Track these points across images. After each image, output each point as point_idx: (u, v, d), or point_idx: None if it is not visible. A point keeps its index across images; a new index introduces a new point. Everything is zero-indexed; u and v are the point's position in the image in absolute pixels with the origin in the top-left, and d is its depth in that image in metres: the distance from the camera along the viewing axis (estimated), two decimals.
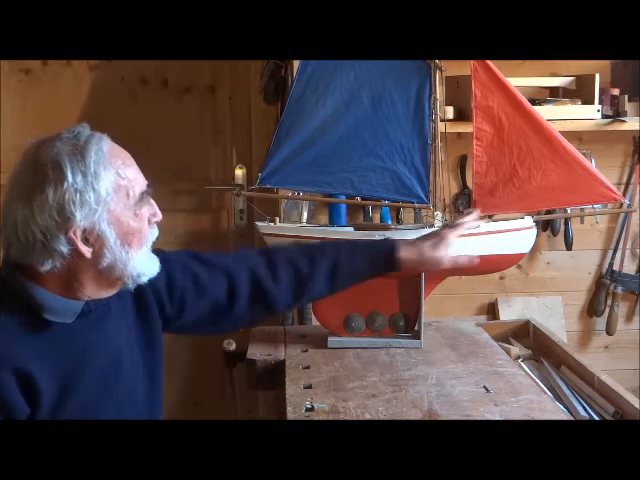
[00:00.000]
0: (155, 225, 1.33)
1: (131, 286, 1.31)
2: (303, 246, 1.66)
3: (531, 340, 2.13)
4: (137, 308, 1.42)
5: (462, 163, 2.44)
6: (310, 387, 1.61)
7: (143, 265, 1.30)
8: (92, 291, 1.29)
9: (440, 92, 1.83)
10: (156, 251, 1.40)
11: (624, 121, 2.24)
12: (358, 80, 1.78)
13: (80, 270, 1.26)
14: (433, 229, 1.81)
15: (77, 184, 1.20)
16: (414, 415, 1.47)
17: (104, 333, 1.32)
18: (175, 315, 1.47)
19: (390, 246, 1.62)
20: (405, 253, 1.60)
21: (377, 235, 1.80)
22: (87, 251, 1.23)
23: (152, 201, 1.32)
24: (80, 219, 1.20)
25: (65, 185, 1.19)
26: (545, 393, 1.69)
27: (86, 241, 1.23)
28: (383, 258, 1.61)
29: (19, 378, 1.18)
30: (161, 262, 1.41)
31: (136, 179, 1.28)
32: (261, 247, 1.94)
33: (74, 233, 1.21)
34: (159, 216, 1.33)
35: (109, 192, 1.23)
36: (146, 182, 1.30)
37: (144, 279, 1.32)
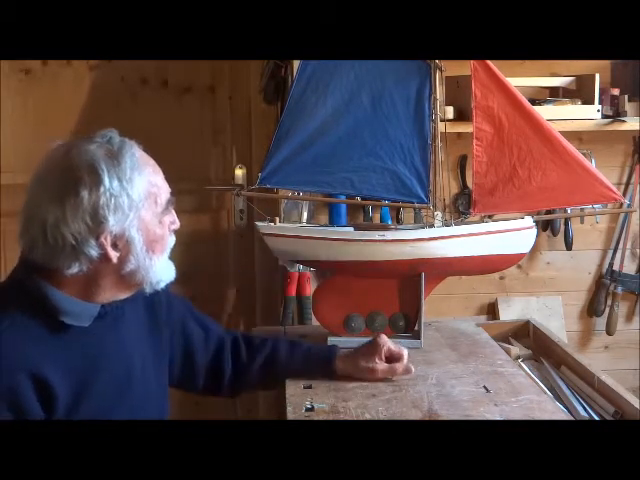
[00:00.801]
0: (173, 233, 1.34)
1: (148, 291, 1.32)
2: (265, 345, 1.65)
3: (531, 340, 2.13)
4: (148, 315, 1.42)
5: (462, 163, 2.44)
6: (310, 387, 1.61)
7: (163, 272, 1.32)
8: (109, 295, 1.29)
9: (440, 92, 1.83)
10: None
11: (624, 121, 2.24)
12: (358, 80, 1.78)
13: (102, 274, 1.26)
14: (434, 230, 1.81)
15: (113, 189, 1.20)
16: (414, 415, 1.47)
17: (118, 337, 1.32)
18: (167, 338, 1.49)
19: (328, 354, 1.64)
20: (341, 365, 1.62)
21: (377, 235, 1.80)
22: (114, 256, 1.24)
23: (172, 209, 1.33)
24: (112, 224, 1.21)
25: (101, 189, 1.19)
26: (545, 393, 1.69)
27: (115, 246, 1.23)
28: (320, 365, 1.64)
29: (35, 382, 1.18)
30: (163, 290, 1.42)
31: (163, 187, 1.30)
32: (262, 246, 1.94)
33: (105, 238, 1.21)
34: (177, 224, 1.35)
35: (141, 198, 1.23)
36: (169, 190, 1.31)
37: (161, 285, 1.33)
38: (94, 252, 1.21)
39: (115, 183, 1.20)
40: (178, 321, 1.52)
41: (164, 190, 1.30)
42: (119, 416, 1.29)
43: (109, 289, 1.28)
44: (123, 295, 1.32)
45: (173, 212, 1.34)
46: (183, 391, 1.63)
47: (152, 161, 1.30)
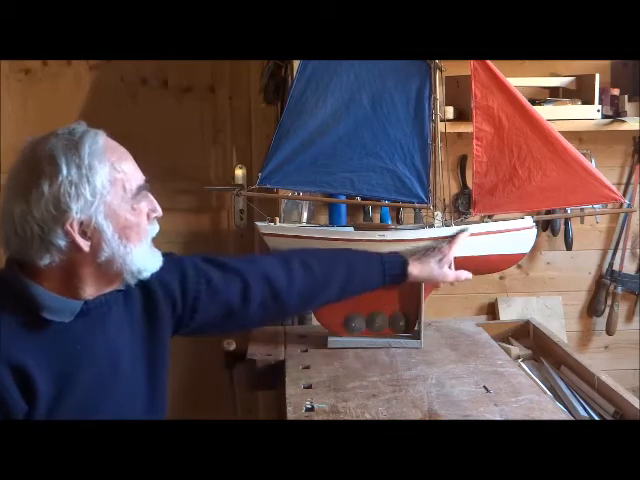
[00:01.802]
0: (155, 221, 1.33)
1: (131, 282, 1.31)
2: (319, 252, 1.70)
3: (531, 340, 2.13)
4: (145, 309, 1.41)
5: (462, 163, 2.43)
6: (310, 387, 1.61)
7: (143, 260, 1.29)
8: (92, 288, 1.28)
9: (440, 92, 1.83)
10: (169, 254, 1.40)
11: (624, 121, 2.24)
12: (358, 80, 1.78)
13: (79, 265, 1.25)
14: (434, 230, 1.82)
15: (72, 176, 1.20)
16: (414, 415, 1.47)
17: (103, 333, 1.31)
18: (188, 317, 1.47)
19: (402, 262, 1.72)
20: (415, 271, 1.72)
21: (377, 235, 1.80)
22: (85, 245, 1.23)
23: (151, 197, 1.32)
24: (76, 211, 1.20)
25: (60, 178, 1.19)
26: (545, 393, 1.69)
27: (84, 234, 1.23)
28: (394, 274, 1.71)
29: (15, 374, 1.18)
30: (175, 264, 1.43)
31: (133, 173, 1.28)
32: (262, 246, 1.95)
33: (71, 226, 1.21)
34: (159, 212, 1.33)
35: (105, 185, 1.22)
36: (143, 177, 1.30)
37: (145, 274, 1.31)
38: (62, 242, 1.21)
39: (73, 171, 1.20)
40: (201, 288, 1.48)
41: (134, 176, 1.28)
42: (105, 412, 1.29)
43: (91, 281, 1.28)
44: (107, 288, 1.31)
45: (153, 200, 1.32)
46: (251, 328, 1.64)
47: (121, 148, 1.29)
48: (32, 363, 1.20)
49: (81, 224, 1.22)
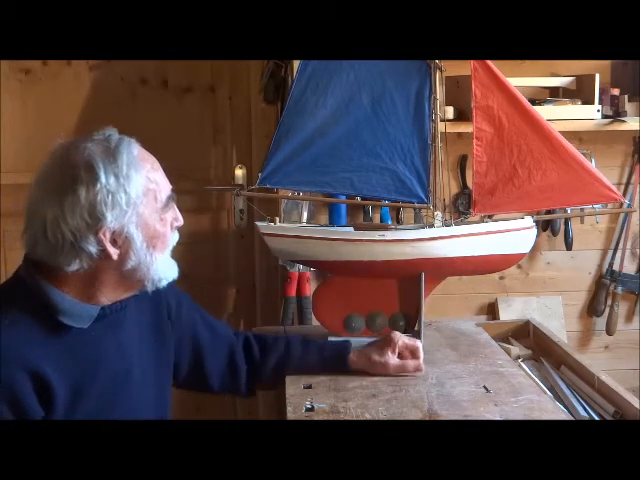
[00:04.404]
0: (176, 230, 1.35)
1: (150, 289, 1.32)
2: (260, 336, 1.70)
3: (531, 340, 2.13)
4: (154, 314, 1.43)
5: (462, 163, 2.44)
6: (310, 387, 1.61)
7: (165, 269, 1.32)
8: (112, 294, 1.29)
9: (440, 92, 1.83)
10: None
11: (624, 121, 2.24)
12: (358, 80, 1.78)
13: (103, 272, 1.26)
14: (434, 230, 1.82)
15: (110, 185, 1.20)
16: (414, 415, 1.47)
17: (117, 340, 1.32)
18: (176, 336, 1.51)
19: (344, 346, 1.67)
20: (354, 357, 1.65)
21: (377, 235, 1.80)
22: (114, 253, 1.24)
23: (174, 206, 1.33)
24: (110, 220, 1.21)
25: (98, 186, 1.20)
26: (545, 393, 1.69)
27: (114, 243, 1.24)
28: (334, 360, 1.66)
29: (34, 381, 1.18)
30: (172, 291, 1.45)
31: (163, 183, 1.30)
32: (262, 246, 1.95)
33: (103, 234, 1.21)
34: (181, 221, 1.35)
35: (139, 195, 1.24)
36: (171, 187, 1.32)
37: (164, 283, 1.33)
38: (93, 249, 1.22)
39: (112, 180, 1.21)
40: (188, 326, 1.52)
41: (164, 187, 1.30)
42: (117, 416, 1.29)
43: (111, 288, 1.28)
44: (125, 294, 1.32)
45: (175, 209, 1.34)
46: (196, 391, 1.67)
47: (152, 158, 1.31)
48: (50, 370, 1.20)
49: (113, 233, 1.23)
